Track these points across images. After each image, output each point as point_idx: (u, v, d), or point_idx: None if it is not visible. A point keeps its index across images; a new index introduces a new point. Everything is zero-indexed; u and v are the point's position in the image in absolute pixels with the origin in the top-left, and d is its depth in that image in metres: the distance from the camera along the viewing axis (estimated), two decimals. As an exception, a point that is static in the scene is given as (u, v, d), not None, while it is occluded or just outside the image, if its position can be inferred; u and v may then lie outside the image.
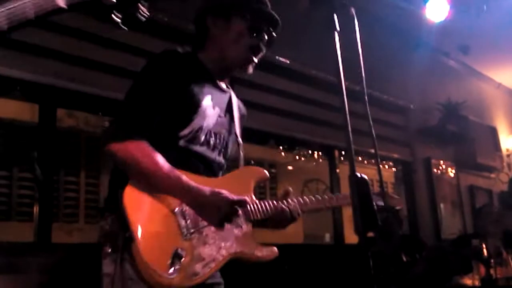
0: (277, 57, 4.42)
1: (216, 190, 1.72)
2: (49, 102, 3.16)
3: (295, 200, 2.00)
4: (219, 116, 1.93)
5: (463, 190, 6.66)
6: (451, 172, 6.51)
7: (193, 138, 1.81)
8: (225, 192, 1.71)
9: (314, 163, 5.81)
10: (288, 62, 4.49)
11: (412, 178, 5.88)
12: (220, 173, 1.96)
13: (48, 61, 3.10)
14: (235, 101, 2.06)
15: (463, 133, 6.32)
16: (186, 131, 1.79)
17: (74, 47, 3.21)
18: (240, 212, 1.77)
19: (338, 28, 1.45)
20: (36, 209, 3.08)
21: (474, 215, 5.93)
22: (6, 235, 4.87)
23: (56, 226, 4.00)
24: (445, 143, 6.32)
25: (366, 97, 1.43)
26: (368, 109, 1.42)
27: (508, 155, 7.66)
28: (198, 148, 1.82)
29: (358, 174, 1.36)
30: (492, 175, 7.24)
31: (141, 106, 1.72)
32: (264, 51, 1.92)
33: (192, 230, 1.68)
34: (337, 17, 1.46)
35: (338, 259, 4.50)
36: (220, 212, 1.70)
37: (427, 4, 4.65)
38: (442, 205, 6.21)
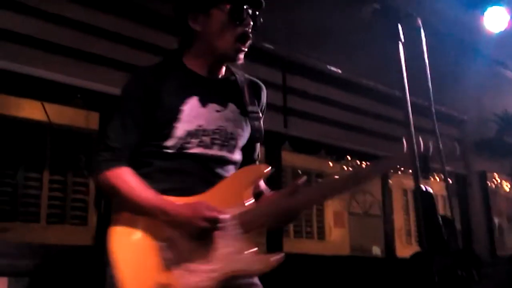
0: (328, 66, 4.40)
1: (191, 202, 1.72)
2: (109, 111, 3.23)
3: (307, 191, 1.81)
4: (216, 110, 1.90)
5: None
6: (507, 186, 6.31)
7: (182, 145, 1.82)
8: (201, 204, 1.70)
9: (363, 175, 5.72)
10: (340, 71, 4.46)
11: (466, 192, 5.72)
12: (226, 168, 1.90)
13: (109, 70, 3.17)
14: (242, 81, 2.02)
15: (521, 146, 6.12)
16: (171, 142, 1.81)
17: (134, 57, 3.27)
18: (219, 227, 1.70)
19: (402, 39, 1.42)
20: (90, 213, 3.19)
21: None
22: (61, 239, 5.02)
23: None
24: (502, 156, 6.13)
25: (433, 111, 1.38)
26: (436, 124, 1.37)
27: None
28: (192, 151, 1.83)
29: (423, 187, 1.33)
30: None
31: (115, 133, 1.81)
32: (251, 36, 1.87)
33: (175, 261, 1.68)
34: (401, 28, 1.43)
35: (390, 273, 4.41)
36: (194, 226, 1.69)
37: (485, 14, 4.52)
38: (497, 220, 6.02)
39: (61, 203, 5.30)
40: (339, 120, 4.55)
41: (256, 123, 1.97)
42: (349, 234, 8.00)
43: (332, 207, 7.83)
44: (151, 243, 1.71)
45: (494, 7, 4.50)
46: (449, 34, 5.37)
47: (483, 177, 5.89)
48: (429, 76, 1.38)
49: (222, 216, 1.68)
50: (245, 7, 1.85)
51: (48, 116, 5.00)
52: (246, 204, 1.78)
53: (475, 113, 5.87)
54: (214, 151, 1.86)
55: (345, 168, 6.10)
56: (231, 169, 1.91)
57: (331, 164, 6.99)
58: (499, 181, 6.25)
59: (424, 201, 1.29)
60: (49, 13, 3.05)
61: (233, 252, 1.70)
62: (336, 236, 7.77)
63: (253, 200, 1.81)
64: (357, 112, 4.67)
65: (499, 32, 4.87)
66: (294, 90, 4.26)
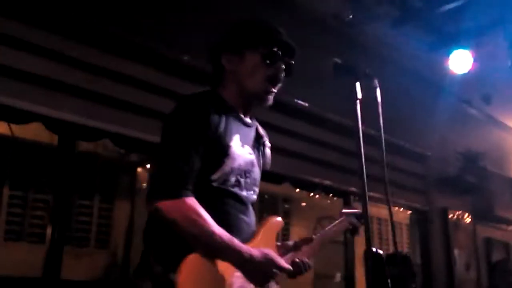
0: (295, 100, 4.42)
1: (265, 252, 1.75)
2: (68, 135, 3.25)
3: (305, 248, 1.97)
4: (249, 153, 1.93)
5: (480, 242, 6.54)
6: (467, 222, 6.40)
7: (224, 180, 1.81)
8: (273, 255, 1.76)
9: (329, 201, 5.77)
10: (307, 105, 4.48)
11: (427, 228, 5.78)
12: (251, 211, 1.94)
13: (66, 96, 3.15)
14: (261, 132, 2.06)
15: (481, 184, 6.23)
16: (217, 175, 1.80)
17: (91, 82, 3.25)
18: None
19: (360, 96, 1.44)
20: (49, 231, 3.16)
21: (489, 270, 5.79)
22: (17, 255, 4.88)
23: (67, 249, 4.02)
24: (463, 193, 6.23)
25: (384, 159, 1.38)
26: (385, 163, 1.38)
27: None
28: (229, 188, 1.83)
29: (374, 249, 1.33)
30: (510, 228, 7.09)
31: (184, 157, 1.73)
32: (282, 80, 1.91)
33: None
34: (360, 85, 1.45)
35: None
36: (266, 276, 1.73)
37: (451, 56, 4.63)
38: (457, 256, 6.08)
39: (20, 220, 5.17)
40: (304, 152, 4.57)
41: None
42: (313, 260, 7.98)
43: (297, 233, 7.83)
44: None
45: (459, 50, 4.61)
46: (416, 73, 5.50)
47: (445, 214, 5.96)
48: (382, 134, 1.37)
49: (288, 266, 1.79)
50: (276, 50, 1.89)
51: (11, 130, 4.90)
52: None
53: (438, 150, 5.95)
54: (245, 193, 1.89)
55: (312, 195, 6.11)
56: (252, 213, 1.94)
57: (298, 190, 7.02)
58: (460, 217, 6.33)
59: (374, 262, 1.28)
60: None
61: None
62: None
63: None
64: (323, 145, 4.69)
65: (465, 72, 4.99)
66: (260, 122, 4.26)
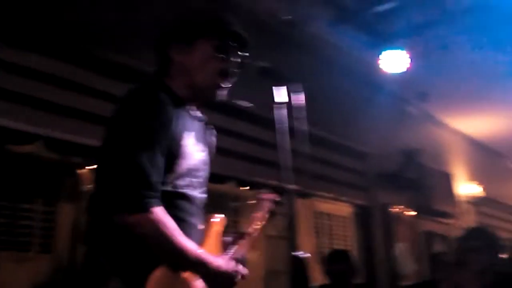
0: (237, 101, 4.43)
1: (223, 256, 1.72)
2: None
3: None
4: (202, 151, 1.81)
5: (420, 235, 6.74)
6: (409, 217, 6.58)
7: (177, 182, 1.68)
8: (230, 259, 1.72)
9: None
10: (250, 105, 4.50)
11: (369, 223, 5.91)
12: (201, 209, 1.82)
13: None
14: (208, 125, 1.96)
15: (420, 180, 6.43)
16: (170, 177, 1.65)
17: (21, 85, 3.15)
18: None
19: (286, 100, 1.46)
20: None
21: (430, 262, 5.97)
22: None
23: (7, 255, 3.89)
24: (403, 189, 6.40)
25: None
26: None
27: (464, 202, 7.80)
28: (182, 190, 1.70)
29: (297, 253, 1.36)
30: (448, 221, 7.35)
31: (149, 157, 1.55)
32: (235, 75, 1.80)
33: None
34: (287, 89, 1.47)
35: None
36: (227, 280, 1.68)
37: (383, 56, 4.75)
38: (399, 249, 6.25)
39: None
40: (247, 152, 4.59)
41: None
42: (264, 257, 8.03)
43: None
44: None
45: (393, 50, 4.73)
46: (356, 73, 5.62)
47: (386, 209, 6.10)
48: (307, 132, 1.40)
49: (246, 272, 1.73)
50: (230, 43, 1.78)
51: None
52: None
53: (379, 148, 6.09)
54: (196, 193, 1.77)
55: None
56: (201, 215, 1.82)
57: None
58: (401, 213, 6.49)
59: (296, 266, 1.31)
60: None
61: None
62: (251, 259, 7.77)
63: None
64: (265, 145, 4.72)
65: (401, 72, 5.13)
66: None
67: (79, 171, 5.39)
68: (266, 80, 1.59)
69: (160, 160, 1.58)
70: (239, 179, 4.66)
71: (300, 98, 1.46)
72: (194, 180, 1.74)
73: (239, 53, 1.81)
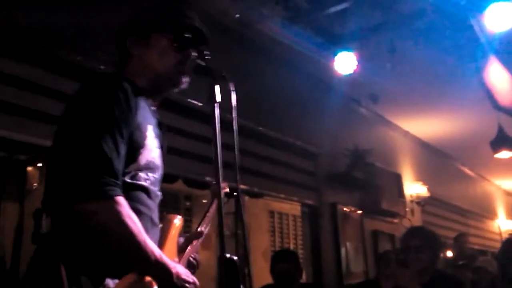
0: (188, 99, 4.40)
1: (185, 267, 1.66)
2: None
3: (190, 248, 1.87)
4: (157, 147, 1.76)
5: (367, 234, 6.86)
6: (356, 216, 6.68)
7: (137, 174, 1.63)
8: (185, 269, 1.63)
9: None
10: (200, 104, 4.48)
11: (318, 223, 5.97)
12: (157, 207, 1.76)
13: None
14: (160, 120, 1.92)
15: (369, 180, 6.53)
16: (131, 168, 1.60)
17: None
18: None
19: (219, 99, 1.45)
20: None
21: (375, 261, 6.08)
22: None
23: None
24: (352, 189, 6.50)
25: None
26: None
27: (411, 201, 7.98)
28: (142, 183, 1.64)
29: (228, 255, 1.35)
30: (395, 221, 7.50)
31: (110, 142, 1.47)
32: (197, 63, 1.75)
33: None
34: (220, 88, 1.46)
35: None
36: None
37: (336, 57, 4.81)
38: (346, 249, 6.32)
39: None
40: (196, 152, 4.56)
41: None
42: (216, 257, 8.01)
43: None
44: None
45: (343, 51, 4.79)
46: (307, 73, 5.66)
47: (334, 209, 6.17)
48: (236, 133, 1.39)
49: (197, 282, 1.62)
50: (186, 35, 1.78)
51: None
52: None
53: (328, 148, 6.16)
54: (155, 189, 1.72)
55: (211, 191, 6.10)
56: (158, 212, 1.75)
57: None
58: (349, 212, 6.58)
59: (227, 268, 1.30)
60: None
61: None
62: (203, 259, 7.73)
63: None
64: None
65: (351, 73, 5.19)
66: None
67: (26, 168, 5.26)
68: (201, 78, 1.58)
69: (122, 148, 1.52)
70: (188, 178, 4.62)
71: (233, 97, 1.45)
72: (151, 175, 1.69)
73: (197, 46, 1.80)
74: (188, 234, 1.93)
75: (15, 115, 3.15)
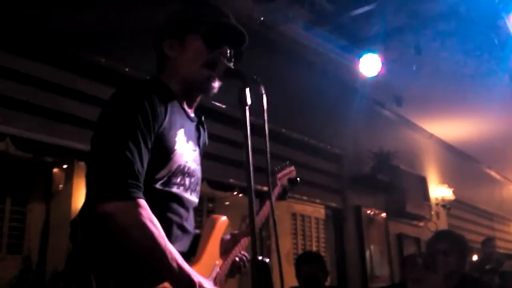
0: (213, 102, 4.41)
1: (206, 280, 1.59)
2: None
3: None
4: (193, 150, 1.77)
5: (392, 238, 6.79)
6: (381, 219, 6.63)
7: (170, 179, 1.63)
8: (206, 283, 1.58)
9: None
10: (223, 107, 4.49)
11: (342, 226, 5.94)
12: (192, 213, 1.78)
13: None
14: (202, 130, 1.94)
15: (393, 182, 6.47)
16: (163, 173, 1.61)
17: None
18: None
19: (249, 102, 1.45)
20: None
21: (401, 264, 6.02)
22: None
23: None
24: (376, 191, 6.45)
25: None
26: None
27: (436, 204, 7.89)
28: (174, 189, 1.65)
29: (260, 258, 1.34)
30: (421, 224, 7.42)
31: (133, 148, 1.49)
32: (227, 66, 1.74)
33: None
34: (250, 91, 1.46)
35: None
36: None
37: (361, 60, 4.79)
38: (371, 253, 6.27)
39: None
40: (220, 154, 4.56)
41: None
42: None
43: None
44: None
45: (368, 53, 4.77)
46: (331, 75, 5.65)
47: (358, 212, 6.13)
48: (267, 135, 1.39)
49: None
50: (219, 32, 1.75)
51: None
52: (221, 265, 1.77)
53: (353, 150, 6.13)
54: (188, 195, 1.72)
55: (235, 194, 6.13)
56: (193, 219, 1.77)
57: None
58: (374, 215, 6.53)
59: (259, 271, 1.30)
60: None
61: None
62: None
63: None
64: (238, 146, 4.71)
65: (375, 75, 5.18)
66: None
67: (52, 170, 5.34)
68: (230, 81, 1.58)
69: (146, 155, 1.54)
70: (212, 180, 4.63)
71: (264, 100, 1.45)
72: (187, 179, 1.69)
73: (232, 44, 1.78)
74: (236, 232, 1.92)
75: (42, 117, 3.19)
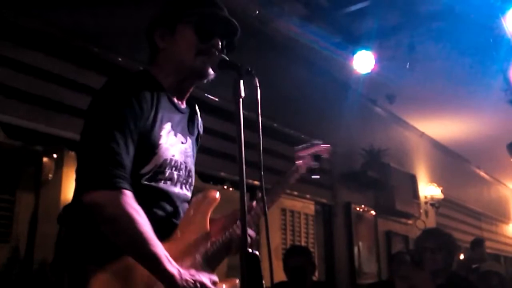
0: (206, 94, 4.39)
1: (182, 268, 1.56)
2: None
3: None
4: (182, 142, 1.77)
5: (381, 235, 6.82)
6: (370, 216, 6.65)
7: (156, 174, 1.64)
8: (204, 279, 1.58)
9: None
10: (217, 100, 4.48)
11: (331, 222, 5.95)
12: (184, 207, 1.77)
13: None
14: (197, 119, 1.93)
15: (383, 180, 6.50)
16: (148, 168, 1.62)
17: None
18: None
19: (243, 95, 1.45)
20: None
21: (389, 261, 6.05)
22: None
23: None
24: (366, 188, 6.47)
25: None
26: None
27: (425, 203, 7.93)
28: (161, 184, 1.66)
29: (250, 250, 1.34)
30: (409, 222, 7.46)
31: (119, 140, 1.52)
32: (222, 57, 1.73)
33: None
34: (243, 82, 1.46)
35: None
36: None
37: (355, 56, 4.80)
38: (359, 249, 6.30)
39: None
40: (211, 147, 4.55)
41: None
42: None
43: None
44: None
45: (362, 50, 4.77)
46: (324, 71, 5.65)
47: (348, 208, 6.14)
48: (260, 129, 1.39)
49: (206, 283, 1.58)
50: (211, 24, 1.75)
51: None
52: (211, 240, 1.74)
53: (344, 146, 6.13)
54: (177, 189, 1.73)
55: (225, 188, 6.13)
56: (186, 207, 1.77)
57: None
58: (363, 211, 6.55)
59: (249, 263, 1.30)
60: None
61: None
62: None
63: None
64: (229, 140, 4.70)
65: (369, 72, 5.18)
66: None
67: (42, 159, 5.29)
68: (224, 72, 1.58)
69: (131, 147, 1.55)
70: (204, 173, 4.62)
71: (258, 92, 1.45)
72: (175, 172, 1.70)
73: (223, 36, 1.78)
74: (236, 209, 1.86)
75: (32, 105, 3.16)
